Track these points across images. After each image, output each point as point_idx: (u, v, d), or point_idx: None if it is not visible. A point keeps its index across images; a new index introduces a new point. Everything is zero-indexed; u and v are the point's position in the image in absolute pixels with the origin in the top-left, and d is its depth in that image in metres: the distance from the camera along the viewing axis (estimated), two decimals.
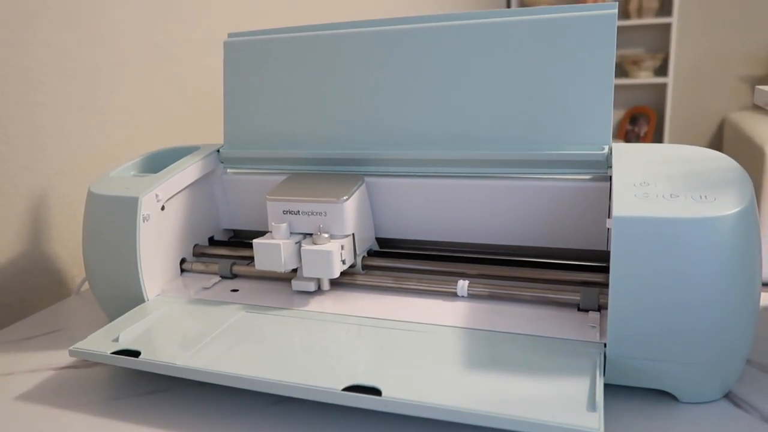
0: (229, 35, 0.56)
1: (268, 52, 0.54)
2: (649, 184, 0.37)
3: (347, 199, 0.47)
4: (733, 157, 0.41)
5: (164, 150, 0.58)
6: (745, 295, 0.35)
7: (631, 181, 0.38)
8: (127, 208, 0.47)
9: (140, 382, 0.43)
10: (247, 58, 0.55)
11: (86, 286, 0.62)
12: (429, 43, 0.49)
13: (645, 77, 2.54)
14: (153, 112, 0.79)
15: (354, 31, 0.51)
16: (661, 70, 2.56)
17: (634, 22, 2.50)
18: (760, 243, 0.36)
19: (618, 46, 2.63)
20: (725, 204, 0.34)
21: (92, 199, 0.49)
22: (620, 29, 2.60)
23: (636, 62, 2.52)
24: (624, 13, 2.58)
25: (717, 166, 0.39)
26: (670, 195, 0.36)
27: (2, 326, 0.58)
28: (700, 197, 0.35)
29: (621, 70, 2.62)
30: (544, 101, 0.46)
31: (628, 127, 2.71)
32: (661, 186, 0.37)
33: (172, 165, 0.52)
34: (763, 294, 0.49)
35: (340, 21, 0.52)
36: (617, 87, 2.65)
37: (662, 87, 2.56)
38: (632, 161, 0.41)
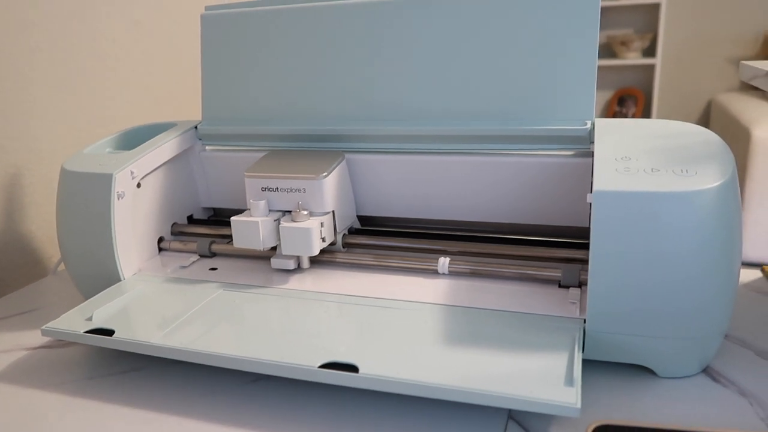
0: (207, 8, 0.55)
1: (247, 25, 0.53)
2: (630, 159, 0.37)
3: (327, 176, 0.46)
4: (726, 144, 0.40)
5: (141, 127, 0.56)
6: (724, 269, 0.34)
7: (612, 156, 0.37)
8: (101, 185, 0.46)
9: (116, 362, 0.42)
10: (225, 31, 0.54)
11: (63, 266, 0.61)
12: (410, 17, 0.48)
13: (633, 58, 2.53)
14: (130, 89, 0.78)
15: (334, 4, 0.50)
16: (650, 50, 2.55)
17: (623, 2, 2.48)
18: (740, 218, 0.36)
19: (606, 27, 2.62)
20: (706, 178, 0.34)
21: (66, 176, 0.48)
22: (609, 9, 2.58)
23: (624, 43, 2.50)
24: None
25: (699, 141, 0.39)
26: (651, 169, 0.35)
27: None
28: (681, 171, 0.35)
29: (609, 51, 2.61)
30: (526, 76, 0.45)
31: (616, 108, 2.71)
32: (642, 160, 0.37)
33: (147, 141, 0.51)
34: (742, 271, 0.49)
35: None
36: (606, 68, 2.64)
37: (650, 68, 2.55)
38: (614, 136, 0.41)
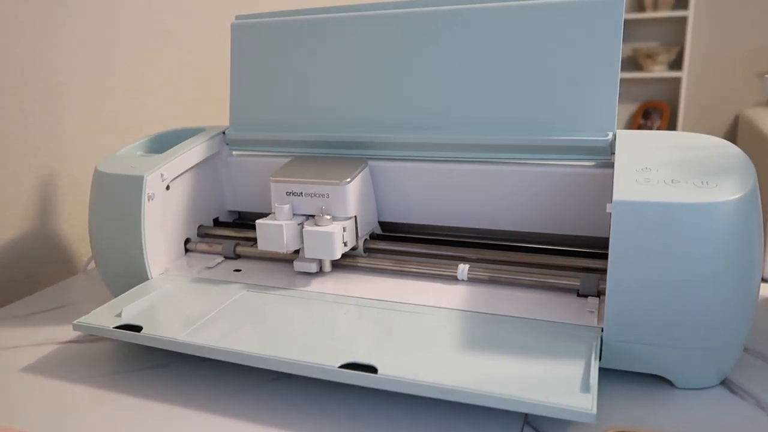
0: (237, 17, 0.56)
1: (275, 34, 0.54)
2: (650, 170, 0.37)
3: (350, 182, 0.47)
4: (747, 153, 0.40)
5: (170, 131, 0.58)
6: (743, 282, 0.35)
7: (633, 167, 0.38)
8: (133, 186, 0.48)
9: (143, 357, 0.43)
10: (254, 40, 0.55)
11: (93, 264, 0.63)
12: (435, 27, 0.49)
13: (659, 71, 2.51)
14: (161, 94, 0.80)
15: (360, 14, 0.51)
16: (676, 64, 2.53)
17: (649, 15, 2.47)
18: (761, 230, 0.36)
19: (632, 40, 2.60)
20: (726, 190, 0.34)
21: (99, 177, 0.50)
22: (635, 22, 2.57)
23: (650, 56, 2.49)
24: (639, 6, 2.55)
25: (720, 153, 0.39)
26: (672, 180, 0.36)
27: (10, 301, 0.59)
28: (702, 183, 0.35)
29: (635, 64, 2.60)
30: (549, 87, 0.46)
31: (641, 121, 2.68)
32: (662, 172, 0.37)
33: (177, 145, 0.53)
34: (763, 285, 0.49)
35: (346, 4, 0.52)
36: (631, 81, 2.63)
37: (676, 81, 2.53)
38: (635, 147, 0.41)
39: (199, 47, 0.86)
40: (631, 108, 2.73)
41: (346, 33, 0.51)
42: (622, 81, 2.63)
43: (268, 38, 0.54)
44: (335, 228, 0.45)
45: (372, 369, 0.34)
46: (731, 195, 0.34)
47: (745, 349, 0.41)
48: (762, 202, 0.37)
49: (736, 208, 0.34)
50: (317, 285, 0.47)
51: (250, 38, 0.55)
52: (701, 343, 0.35)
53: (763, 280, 0.39)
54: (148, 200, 0.48)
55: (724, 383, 0.37)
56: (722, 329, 0.35)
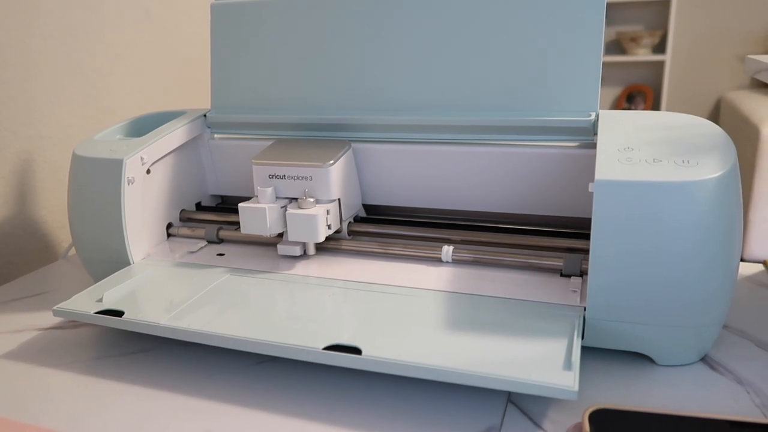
0: None
1: (256, 15, 0.53)
2: (632, 149, 0.37)
3: (333, 164, 0.47)
4: (729, 136, 0.40)
5: (151, 114, 0.57)
6: (723, 259, 0.35)
7: (615, 146, 0.38)
8: (112, 170, 0.47)
9: (125, 343, 0.43)
10: (235, 21, 0.54)
11: (74, 250, 0.62)
12: (416, 8, 0.48)
13: (643, 54, 2.52)
14: (140, 76, 0.79)
15: None
16: (660, 47, 2.53)
17: None
18: (740, 209, 0.36)
19: (616, 23, 2.61)
20: (707, 168, 0.34)
21: (77, 161, 0.49)
22: (619, 5, 2.57)
23: (634, 39, 2.49)
24: None
25: (701, 132, 0.39)
26: (653, 160, 0.36)
27: None
28: (683, 162, 0.35)
29: (619, 47, 2.60)
30: (531, 67, 0.46)
31: (625, 105, 2.69)
32: (644, 151, 0.37)
33: (157, 129, 0.52)
34: (744, 264, 0.50)
35: None
36: (615, 64, 2.63)
37: (660, 65, 2.54)
38: (618, 127, 0.41)
39: (179, 28, 0.85)
40: (615, 91, 2.74)
41: (328, 14, 0.51)
42: (606, 65, 2.63)
43: (249, 19, 0.54)
44: (319, 211, 0.45)
45: (356, 350, 0.34)
46: (711, 173, 0.34)
47: (725, 327, 0.42)
48: (742, 184, 0.37)
49: (716, 186, 0.34)
50: (301, 268, 0.46)
51: (231, 19, 0.54)
52: (682, 321, 0.35)
53: (742, 260, 0.39)
54: (128, 184, 0.47)
55: (704, 360, 0.38)
56: (703, 307, 0.35)
